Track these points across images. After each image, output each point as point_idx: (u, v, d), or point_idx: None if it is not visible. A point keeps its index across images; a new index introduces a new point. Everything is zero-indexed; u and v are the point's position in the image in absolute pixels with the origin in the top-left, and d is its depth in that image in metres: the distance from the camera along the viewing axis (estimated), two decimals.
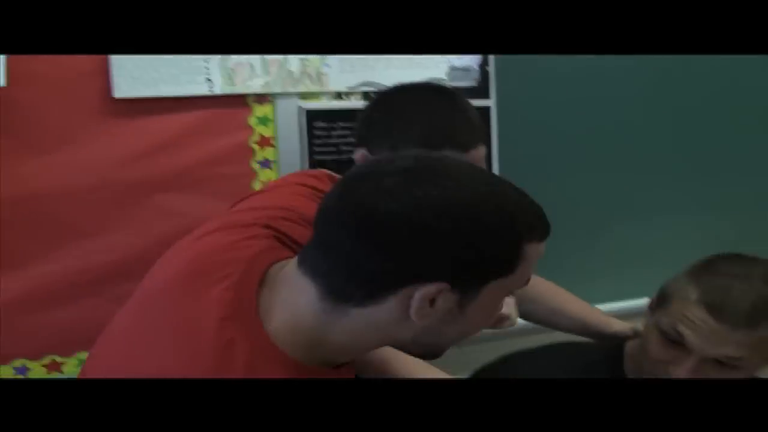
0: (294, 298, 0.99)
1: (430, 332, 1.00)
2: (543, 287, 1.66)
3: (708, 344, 1.30)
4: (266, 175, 1.95)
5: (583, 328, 1.62)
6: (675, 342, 1.33)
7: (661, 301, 1.40)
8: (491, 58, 2.12)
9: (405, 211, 0.92)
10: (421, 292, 0.94)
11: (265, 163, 1.95)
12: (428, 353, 1.11)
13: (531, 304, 1.62)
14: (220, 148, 1.91)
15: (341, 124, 2.01)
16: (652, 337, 1.38)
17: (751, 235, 2.49)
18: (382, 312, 0.96)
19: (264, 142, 1.94)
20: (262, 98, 1.91)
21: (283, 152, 1.97)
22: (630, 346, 1.50)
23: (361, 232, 0.93)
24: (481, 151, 1.45)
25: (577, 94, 2.34)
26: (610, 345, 1.53)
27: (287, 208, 1.24)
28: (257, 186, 1.94)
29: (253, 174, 1.94)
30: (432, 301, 0.95)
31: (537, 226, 0.99)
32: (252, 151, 1.94)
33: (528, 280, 1.03)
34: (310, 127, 1.99)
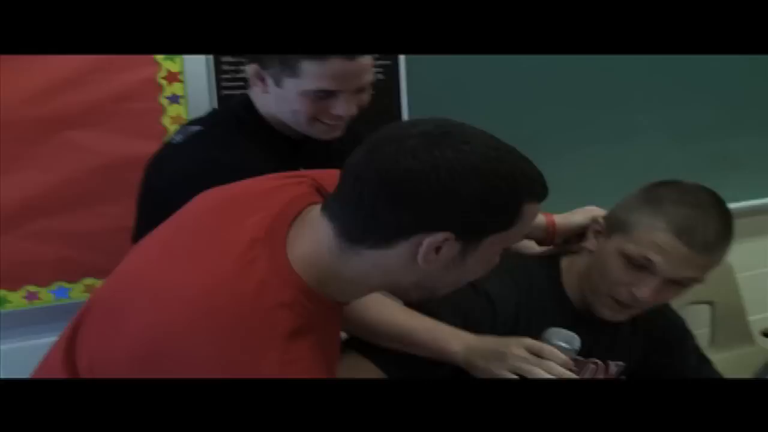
0: (315, 236, 1.11)
1: (432, 277, 1.13)
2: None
3: (675, 268, 1.43)
4: (175, 110, 1.98)
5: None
6: (640, 266, 1.46)
7: (619, 229, 1.51)
8: None
9: (423, 168, 1.03)
10: (429, 240, 1.06)
11: (174, 99, 1.97)
12: (426, 296, 1.22)
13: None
14: (127, 84, 1.92)
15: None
16: (613, 261, 1.49)
17: (657, 167, 2.70)
18: (392, 256, 1.08)
19: (171, 77, 1.96)
20: None
21: (191, 88, 1.99)
22: (567, 262, 1.62)
23: (382, 186, 1.05)
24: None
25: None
26: (547, 262, 1.64)
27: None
28: (166, 121, 1.96)
29: (161, 109, 1.97)
30: (438, 249, 1.07)
31: (536, 188, 1.12)
32: (160, 87, 1.96)
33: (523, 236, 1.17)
34: (218, 62, 2.01)
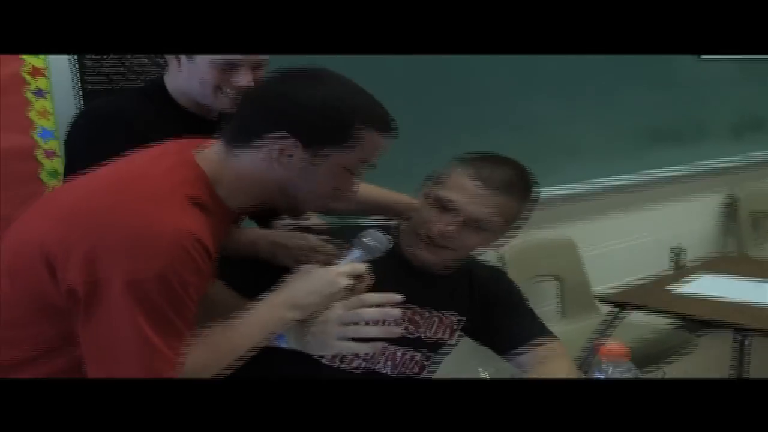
0: (211, 149, 1.41)
1: (291, 183, 1.38)
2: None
3: (472, 206, 1.63)
4: (41, 105, 2.01)
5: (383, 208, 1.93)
6: (446, 208, 1.64)
7: (434, 181, 1.71)
8: None
9: (283, 88, 1.40)
10: (281, 143, 1.35)
11: (39, 93, 2.00)
12: (292, 209, 1.48)
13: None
14: None
15: (112, 54, 2.09)
16: (426, 207, 1.68)
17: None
18: (256, 158, 1.37)
19: (36, 72, 1.99)
20: None
21: (55, 82, 2.02)
22: (404, 226, 1.76)
23: (253, 101, 1.44)
24: None
25: None
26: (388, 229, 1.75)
27: None
28: (32, 114, 2.00)
29: (27, 103, 1.99)
30: (289, 155, 1.35)
31: (375, 117, 1.40)
32: (25, 81, 1.99)
33: (366, 162, 1.42)
34: (81, 58, 2.05)
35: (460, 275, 1.78)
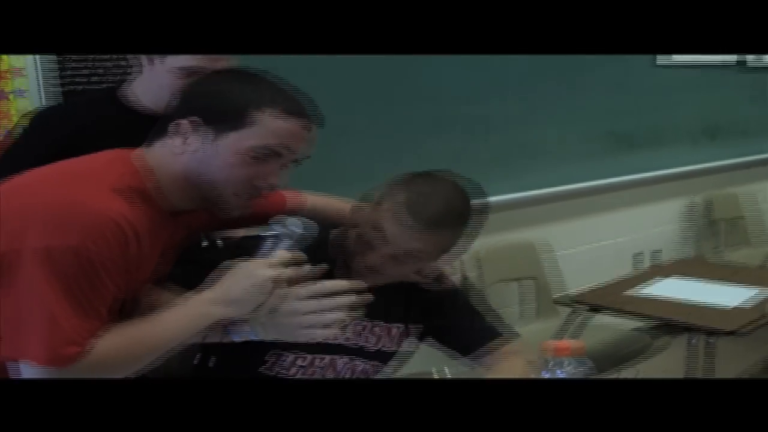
0: (154, 146, 1.44)
1: (192, 170, 1.40)
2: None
3: (402, 239, 1.59)
4: (22, 105, 2.03)
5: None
6: (378, 235, 1.58)
7: (375, 202, 1.65)
8: None
9: (194, 84, 1.47)
10: (184, 122, 1.38)
11: (20, 93, 2.03)
12: (210, 205, 1.44)
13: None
14: None
15: (74, 56, 2.10)
16: (365, 226, 1.62)
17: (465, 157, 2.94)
18: (167, 143, 1.40)
19: (15, 72, 2.01)
20: None
21: (33, 81, 2.04)
22: (334, 233, 1.73)
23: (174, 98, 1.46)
24: None
25: None
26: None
27: None
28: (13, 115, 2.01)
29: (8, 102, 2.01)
30: (185, 138, 1.38)
31: (275, 102, 1.39)
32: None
33: (273, 150, 1.39)
34: (62, 60, 2.07)
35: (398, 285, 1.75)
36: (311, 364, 1.66)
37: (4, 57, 1.99)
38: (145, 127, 1.73)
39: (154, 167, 1.41)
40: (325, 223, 1.71)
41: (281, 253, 1.44)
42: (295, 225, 1.47)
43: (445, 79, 3.05)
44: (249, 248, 1.50)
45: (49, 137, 1.74)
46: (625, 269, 3.94)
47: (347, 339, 1.68)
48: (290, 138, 1.41)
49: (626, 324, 2.99)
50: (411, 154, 2.97)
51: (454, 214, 1.64)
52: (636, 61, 3.86)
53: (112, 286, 1.31)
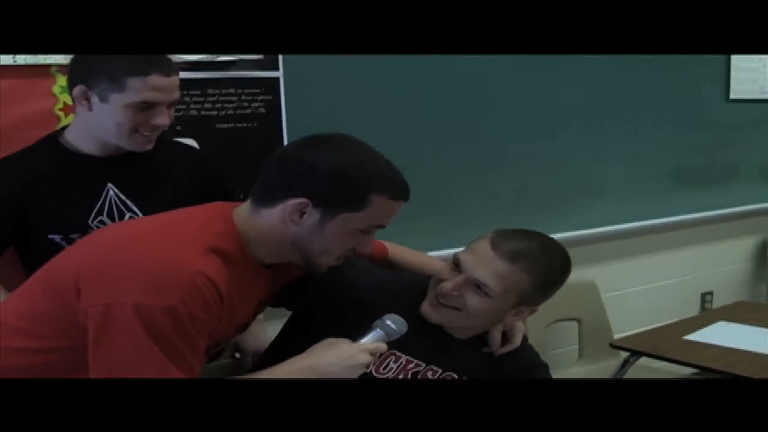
0: (242, 209, 1.55)
1: (303, 239, 1.51)
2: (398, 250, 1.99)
3: (474, 265, 1.67)
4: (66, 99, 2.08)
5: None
6: (456, 267, 1.70)
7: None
8: None
9: (302, 152, 1.51)
10: (293, 202, 1.47)
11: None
12: (308, 264, 1.57)
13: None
14: (26, 115, 2.05)
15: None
16: (446, 267, 1.74)
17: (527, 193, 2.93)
18: (274, 214, 1.49)
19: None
20: (64, 68, 2.03)
21: None
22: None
23: (275, 164, 1.52)
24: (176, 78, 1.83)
25: (361, 66, 2.57)
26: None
27: None
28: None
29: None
30: (301, 213, 1.47)
31: (386, 184, 1.50)
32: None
33: (378, 225, 1.54)
34: None
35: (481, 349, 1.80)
36: None
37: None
38: (93, 169, 1.86)
39: (257, 230, 1.52)
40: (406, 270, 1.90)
41: (381, 345, 1.58)
42: (398, 324, 1.61)
43: (510, 114, 3.07)
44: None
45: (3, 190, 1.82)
46: (692, 310, 3.88)
47: (396, 378, 1.71)
48: (392, 216, 1.56)
49: (683, 368, 2.94)
50: (477, 189, 3.00)
51: (538, 258, 1.70)
52: (708, 96, 3.81)
53: (204, 337, 1.42)
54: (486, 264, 1.67)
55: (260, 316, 1.84)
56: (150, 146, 1.87)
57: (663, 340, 2.76)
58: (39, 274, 1.53)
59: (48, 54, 2.03)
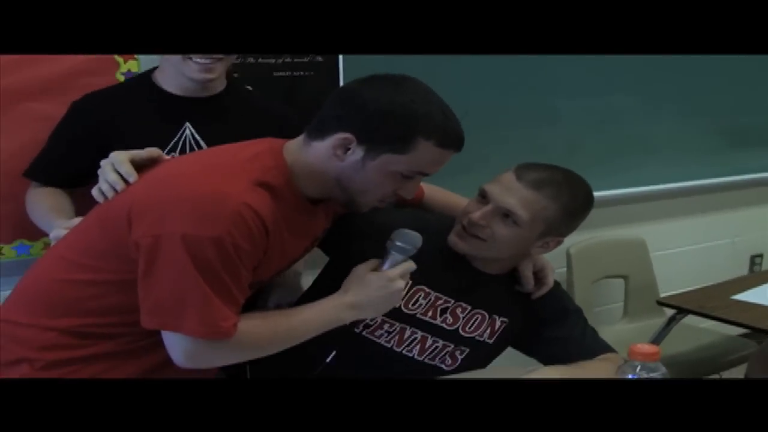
0: (296, 141, 1.56)
1: (346, 175, 1.50)
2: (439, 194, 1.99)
3: (502, 195, 1.69)
4: None
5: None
6: (483, 197, 1.72)
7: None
8: None
9: (360, 87, 1.50)
10: (339, 136, 1.46)
11: (129, 75, 2.14)
12: (349, 203, 1.58)
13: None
14: (86, 61, 2.08)
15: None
16: (471, 200, 1.76)
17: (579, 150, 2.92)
18: (322, 147, 1.49)
19: (128, 55, 2.13)
20: None
21: (146, 63, 2.13)
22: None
23: (332, 98, 1.53)
24: None
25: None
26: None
27: None
28: None
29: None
30: (346, 149, 1.47)
31: (435, 130, 1.47)
32: (117, 63, 2.12)
33: (422, 172, 1.52)
34: None
35: (515, 283, 1.82)
36: (380, 326, 1.75)
37: None
38: (174, 108, 1.96)
39: (305, 163, 1.52)
40: (442, 213, 1.90)
41: (408, 265, 1.62)
42: (415, 239, 1.62)
43: (561, 72, 3.04)
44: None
45: (89, 119, 1.95)
46: (741, 271, 3.85)
47: (425, 314, 1.76)
48: (439, 164, 1.54)
49: (730, 327, 2.93)
50: (527, 144, 2.98)
51: (563, 188, 1.73)
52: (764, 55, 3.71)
53: (248, 269, 1.45)
54: (512, 192, 1.69)
55: (298, 268, 1.88)
56: (209, 76, 1.92)
57: (710, 299, 2.76)
58: (95, 210, 1.58)
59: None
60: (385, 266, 1.61)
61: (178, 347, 1.43)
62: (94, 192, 1.59)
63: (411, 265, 1.62)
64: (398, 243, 1.61)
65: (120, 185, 1.55)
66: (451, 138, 1.51)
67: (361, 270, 1.60)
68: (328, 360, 1.65)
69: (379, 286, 1.58)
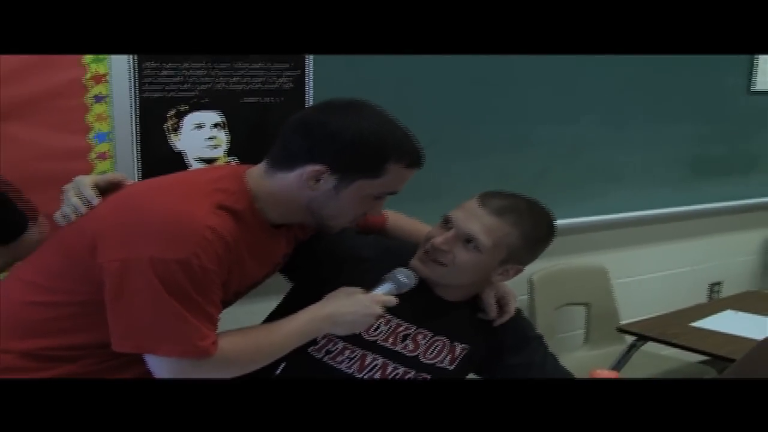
0: (258, 167, 1.59)
1: (318, 203, 1.55)
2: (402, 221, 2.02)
3: (464, 220, 1.72)
4: (99, 109, 2.15)
5: None
6: (446, 223, 1.75)
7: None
8: None
9: (320, 117, 1.53)
10: (311, 168, 1.50)
11: (99, 98, 2.15)
12: (320, 226, 1.64)
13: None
14: (56, 84, 2.08)
15: (170, 64, 2.24)
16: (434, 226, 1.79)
17: (546, 177, 2.97)
18: (290, 178, 1.53)
19: (97, 79, 2.14)
20: None
21: (115, 87, 2.16)
22: None
23: (294, 128, 1.55)
24: None
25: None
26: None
27: None
28: (89, 118, 2.14)
29: (86, 108, 2.14)
30: (317, 179, 1.51)
31: (403, 153, 1.54)
32: (85, 88, 2.13)
33: (392, 192, 1.59)
34: (141, 67, 2.20)
35: (477, 310, 1.84)
36: (341, 352, 1.76)
37: (90, 64, 2.12)
38: None
39: (269, 191, 1.56)
40: (406, 239, 1.93)
41: (391, 299, 1.68)
42: (408, 277, 1.72)
43: (530, 99, 3.09)
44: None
45: None
46: (700, 300, 3.90)
47: (386, 340, 1.77)
48: (405, 182, 1.61)
49: (691, 355, 2.98)
50: (495, 171, 3.00)
51: (525, 215, 1.76)
52: (730, 87, 3.78)
53: (217, 286, 1.48)
54: (475, 219, 1.72)
55: None
56: None
57: (670, 326, 2.81)
58: (57, 233, 1.59)
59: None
60: (375, 291, 1.68)
61: (161, 370, 1.46)
62: (57, 216, 1.59)
63: (393, 300, 1.68)
64: (401, 277, 1.70)
65: (82, 209, 1.56)
66: (417, 157, 1.58)
67: (351, 289, 1.66)
68: None
69: (364, 305, 1.63)
